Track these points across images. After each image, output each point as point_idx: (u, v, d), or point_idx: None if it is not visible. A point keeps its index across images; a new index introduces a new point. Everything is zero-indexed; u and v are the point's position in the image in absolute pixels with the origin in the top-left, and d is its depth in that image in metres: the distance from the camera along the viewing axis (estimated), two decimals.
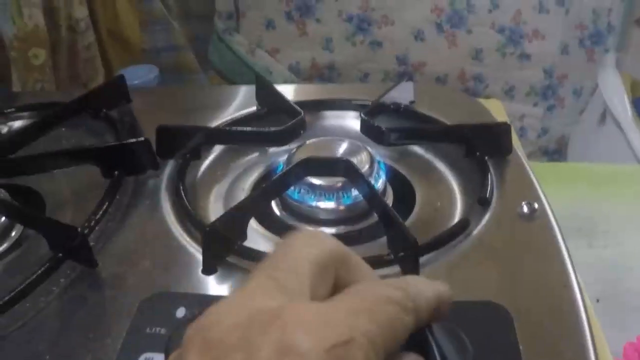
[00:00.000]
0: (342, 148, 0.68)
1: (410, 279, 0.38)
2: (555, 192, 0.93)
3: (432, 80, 1.50)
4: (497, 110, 0.88)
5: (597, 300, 0.77)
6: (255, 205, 0.62)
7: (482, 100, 0.88)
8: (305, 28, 1.48)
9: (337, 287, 0.36)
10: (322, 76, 1.51)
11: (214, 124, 0.79)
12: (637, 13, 1.54)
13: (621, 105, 1.33)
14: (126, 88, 0.86)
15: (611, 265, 0.82)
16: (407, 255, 0.55)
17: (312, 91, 0.91)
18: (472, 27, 1.46)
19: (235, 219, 0.60)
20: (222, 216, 0.59)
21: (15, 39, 1.03)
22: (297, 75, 1.51)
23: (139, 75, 1.15)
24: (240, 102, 0.84)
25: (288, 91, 0.87)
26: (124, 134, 0.78)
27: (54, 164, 0.71)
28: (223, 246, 0.58)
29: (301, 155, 0.66)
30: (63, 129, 0.82)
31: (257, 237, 0.63)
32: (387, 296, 0.34)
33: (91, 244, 0.59)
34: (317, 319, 0.31)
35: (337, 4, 1.44)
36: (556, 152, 1.59)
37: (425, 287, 0.37)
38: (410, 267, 0.54)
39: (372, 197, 0.61)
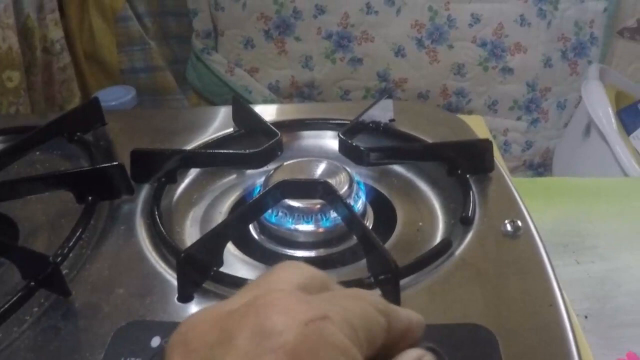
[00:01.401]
0: (320, 169, 0.67)
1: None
2: (541, 208, 0.92)
3: (414, 97, 1.49)
4: (479, 127, 0.87)
5: (586, 317, 0.75)
6: (230, 230, 0.60)
7: (463, 117, 0.86)
8: (285, 46, 1.46)
9: None
10: (302, 94, 1.50)
11: (191, 146, 0.78)
12: (620, 24, 1.54)
13: (605, 117, 1.32)
14: (101, 110, 0.84)
15: (599, 281, 0.80)
16: (387, 278, 0.53)
17: (291, 111, 0.89)
18: (453, 42, 1.45)
19: (211, 245, 0.58)
20: (197, 242, 0.57)
21: None
22: (277, 94, 1.49)
23: (115, 96, 1.14)
24: (218, 124, 0.83)
25: (266, 111, 0.85)
26: (98, 158, 0.77)
27: (26, 190, 0.69)
28: (199, 273, 0.56)
29: (278, 177, 0.65)
30: (37, 153, 0.80)
31: (235, 262, 0.62)
32: (360, 295, 0.34)
33: (65, 271, 0.58)
34: (291, 301, 0.31)
35: (316, 21, 1.43)
36: (541, 166, 1.58)
37: (397, 307, 0.37)
38: (391, 290, 0.52)
39: (351, 219, 0.59)
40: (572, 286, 0.79)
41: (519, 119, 1.54)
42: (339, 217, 0.62)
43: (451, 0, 1.42)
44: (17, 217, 0.69)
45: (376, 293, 0.53)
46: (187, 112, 0.96)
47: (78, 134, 0.81)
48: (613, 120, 1.31)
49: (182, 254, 0.55)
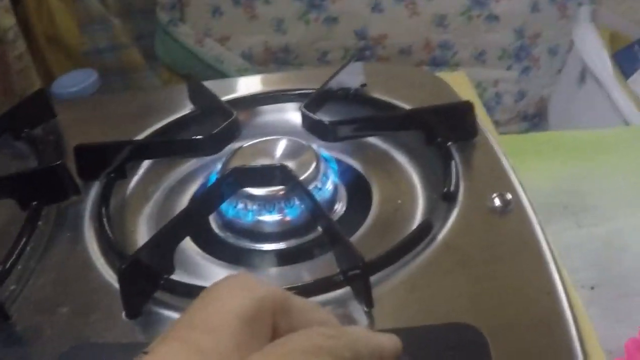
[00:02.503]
0: (282, 149, 0.60)
1: (350, 328, 0.34)
2: (536, 166, 0.85)
3: (396, 53, 1.42)
4: (463, 84, 0.80)
5: (592, 288, 0.69)
6: (180, 230, 0.53)
7: (446, 75, 0.79)
8: (254, 11, 1.39)
9: (278, 337, 0.30)
10: (277, 60, 1.43)
11: (148, 132, 0.71)
12: None
13: (601, 62, 1.25)
14: (49, 102, 0.78)
15: (604, 245, 0.73)
16: (355, 275, 0.46)
17: (255, 83, 0.82)
18: None
19: (159, 248, 0.51)
20: (142, 247, 0.51)
21: None
22: (251, 61, 1.43)
23: (76, 81, 1.07)
24: (176, 106, 0.75)
25: (227, 87, 0.78)
26: (46, 155, 0.70)
27: None
28: (147, 282, 0.50)
29: (235, 162, 0.59)
30: None
31: (195, 262, 0.56)
32: (319, 346, 0.29)
33: (12, 287, 0.53)
34: None
35: None
36: (536, 116, 1.51)
37: (366, 335, 0.33)
38: (361, 288, 0.46)
39: (313, 208, 0.52)
40: (574, 253, 0.72)
41: (509, 68, 1.46)
42: None
43: None
44: None
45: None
46: (144, 95, 0.89)
47: (26, 130, 0.75)
48: (609, 64, 1.24)
49: (123, 265, 0.48)
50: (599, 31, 1.29)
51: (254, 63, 1.43)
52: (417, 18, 1.39)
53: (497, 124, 1.48)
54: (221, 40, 1.42)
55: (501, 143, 0.67)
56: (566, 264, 0.55)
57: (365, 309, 0.46)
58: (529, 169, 0.82)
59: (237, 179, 0.55)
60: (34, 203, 0.61)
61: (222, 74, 1.37)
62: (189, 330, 0.29)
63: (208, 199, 0.55)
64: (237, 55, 1.42)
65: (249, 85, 0.80)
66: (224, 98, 0.71)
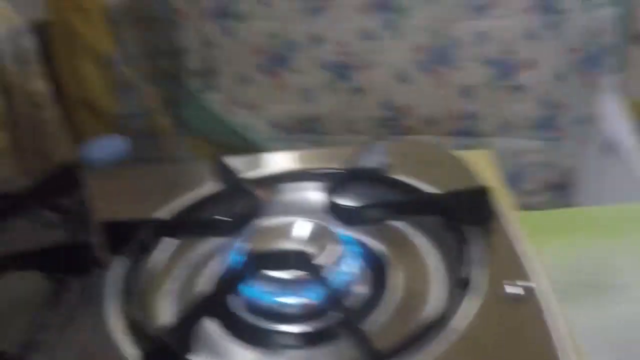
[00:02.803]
0: (303, 231, 0.61)
1: None
2: (558, 244, 0.85)
3: (422, 124, 1.42)
4: (484, 162, 0.81)
5: None
6: (200, 313, 0.54)
7: (468, 153, 0.81)
8: (282, 80, 1.41)
9: None
10: (304, 129, 1.44)
11: (174, 206, 0.72)
12: (634, 30, 1.47)
13: (624, 132, 1.25)
14: (77, 173, 0.80)
15: (626, 326, 0.73)
16: None
17: (281, 160, 0.84)
18: (459, 63, 1.38)
19: (180, 330, 0.52)
20: (166, 330, 0.53)
21: None
22: (279, 130, 1.44)
23: (106, 147, 1.09)
24: (203, 180, 0.77)
25: (253, 163, 0.80)
26: (74, 227, 0.72)
27: None
28: None
29: (255, 243, 0.60)
30: (16, 221, 0.75)
31: (215, 341, 0.56)
32: None
33: None
34: None
35: (313, 51, 1.37)
36: (562, 187, 1.50)
37: None
38: None
39: (328, 295, 0.53)
40: (595, 334, 0.72)
41: (534, 138, 1.46)
42: None
43: (454, 20, 1.36)
44: None
45: None
46: (170, 168, 0.91)
47: (55, 200, 0.77)
48: (633, 134, 1.24)
49: (148, 349, 0.49)
50: (623, 101, 1.30)
51: (281, 131, 1.44)
52: (443, 89, 1.40)
53: (522, 194, 1.48)
54: (249, 108, 1.44)
55: (524, 220, 0.67)
56: (586, 345, 0.55)
57: None
58: (552, 246, 0.82)
59: (255, 262, 0.56)
60: (59, 276, 0.62)
61: (249, 142, 1.39)
62: None
63: (227, 282, 0.56)
64: (265, 124, 1.44)
65: (273, 161, 0.82)
66: (248, 175, 0.72)
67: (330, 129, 1.44)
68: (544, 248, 0.71)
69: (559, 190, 1.49)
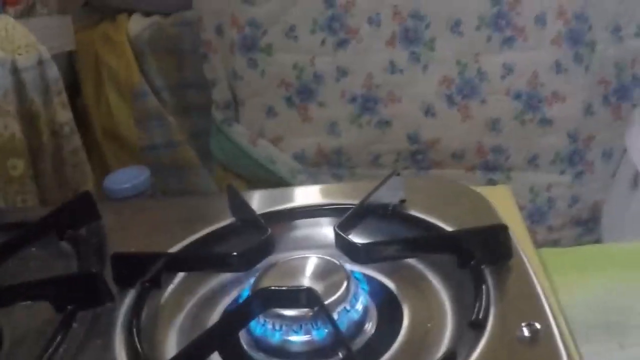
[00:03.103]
0: (313, 268, 0.60)
1: None
2: (580, 282, 0.83)
3: (448, 157, 1.42)
4: (505, 199, 0.79)
5: None
6: (206, 348, 0.53)
7: (488, 189, 0.79)
8: (308, 113, 1.41)
9: None
10: (329, 162, 1.44)
11: (188, 240, 0.72)
12: None
13: None
14: (94, 204, 0.80)
15: None
16: None
17: (298, 195, 0.83)
18: (486, 96, 1.38)
19: None
20: None
21: None
22: (303, 163, 1.43)
23: (128, 178, 1.09)
24: (218, 214, 0.77)
25: (269, 198, 0.79)
26: (87, 258, 0.72)
27: None
28: None
29: (266, 280, 0.59)
30: (33, 249, 0.77)
31: None
32: None
33: None
34: None
35: (340, 84, 1.37)
36: (590, 221, 1.48)
37: None
38: None
39: (335, 335, 0.52)
40: None
41: (562, 172, 1.44)
42: None
43: (480, 52, 1.35)
44: (3, 324, 0.64)
45: None
46: (188, 201, 0.91)
47: (70, 230, 0.77)
48: None
49: None
50: None
51: (306, 164, 1.44)
52: (469, 122, 1.39)
53: (550, 229, 1.46)
54: (274, 140, 1.44)
55: (547, 257, 0.66)
56: None
57: None
58: (573, 285, 0.80)
59: (263, 300, 0.55)
60: (69, 307, 0.62)
61: (274, 175, 1.39)
62: None
63: (236, 318, 0.56)
64: (290, 157, 1.44)
65: (290, 196, 0.82)
66: (263, 210, 0.72)
67: (355, 162, 1.43)
68: (566, 286, 0.70)
69: (587, 225, 1.47)
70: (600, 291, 0.82)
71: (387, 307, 0.62)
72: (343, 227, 0.65)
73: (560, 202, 1.45)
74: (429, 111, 1.38)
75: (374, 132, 1.41)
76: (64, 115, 1.13)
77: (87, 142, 1.26)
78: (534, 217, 1.45)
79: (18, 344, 0.62)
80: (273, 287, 0.56)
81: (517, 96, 1.38)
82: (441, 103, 1.38)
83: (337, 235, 0.65)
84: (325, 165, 1.44)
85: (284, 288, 0.57)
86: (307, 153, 1.44)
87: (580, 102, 1.39)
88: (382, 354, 0.56)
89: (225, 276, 0.68)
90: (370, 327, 0.59)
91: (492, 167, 1.42)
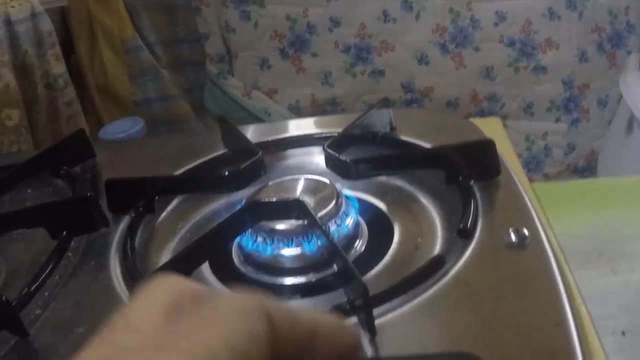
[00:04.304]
0: (304, 187, 0.61)
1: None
2: (576, 214, 0.84)
3: (443, 105, 1.42)
4: (495, 130, 0.79)
5: (623, 334, 0.67)
6: (194, 259, 0.54)
7: (478, 120, 0.79)
8: (302, 64, 1.41)
9: None
10: (324, 112, 1.44)
11: (181, 170, 0.72)
12: None
13: None
14: (89, 142, 0.80)
15: (638, 292, 0.71)
16: (360, 306, 0.46)
17: (290, 127, 0.83)
18: (479, 44, 1.38)
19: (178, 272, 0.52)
20: (161, 266, 0.53)
21: None
22: (298, 114, 1.44)
23: (123, 128, 1.10)
24: (210, 148, 0.77)
25: (264, 130, 0.80)
26: (83, 191, 0.72)
27: None
28: None
29: (255, 197, 0.59)
30: (29, 190, 0.77)
31: None
32: (231, 317, 0.29)
33: (37, 311, 0.54)
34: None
35: (333, 34, 1.37)
36: (586, 169, 1.48)
37: (298, 309, 0.33)
38: (364, 318, 0.46)
39: (327, 244, 0.53)
40: (608, 299, 0.70)
41: (558, 120, 1.44)
42: None
43: (473, 0, 1.35)
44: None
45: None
46: (183, 138, 0.91)
47: (65, 167, 0.77)
48: None
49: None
50: None
51: (301, 115, 1.45)
52: (463, 70, 1.39)
53: (546, 177, 1.46)
54: (269, 92, 1.44)
55: (540, 191, 0.66)
56: (599, 311, 0.54)
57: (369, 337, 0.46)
58: (569, 216, 0.81)
59: (253, 211, 0.56)
60: (64, 233, 0.63)
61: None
62: (112, 331, 0.29)
63: (227, 228, 0.56)
64: (284, 108, 1.44)
65: (283, 128, 0.82)
66: (256, 141, 0.72)
67: (348, 112, 1.43)
68: (560, 219, 0.70)
69: (584, 173, 1.47)
70: (592, 222, 0.83)
71: (378, 225, 0.62)
72: (333, 146, 0.65)
73: (557, 150, 1.46)
74: (422, 60, 1.38)
75: (367, 82, 1.41)
76: (58, 67, 1.13)
77: (82, 98, 1.26)
78: (530, 165, 1.45)
79: (15, 274, 0.63)
80: (264, 200, 0.57)
81: (511, 43, 1.38)
82: (435, 51, 1.38)
83: (326, 153, 0.65)
84: (319, 115, 1.44)
85: (274, 199, 0.57)
86: (301, 104, 1.44)
87: (574, 49, 1.39)
88: (374, 266, 0.56)
89: (219, 203, 0.69)
90: (361, 244, 0.60)
91: (487, 114, 1.42)
